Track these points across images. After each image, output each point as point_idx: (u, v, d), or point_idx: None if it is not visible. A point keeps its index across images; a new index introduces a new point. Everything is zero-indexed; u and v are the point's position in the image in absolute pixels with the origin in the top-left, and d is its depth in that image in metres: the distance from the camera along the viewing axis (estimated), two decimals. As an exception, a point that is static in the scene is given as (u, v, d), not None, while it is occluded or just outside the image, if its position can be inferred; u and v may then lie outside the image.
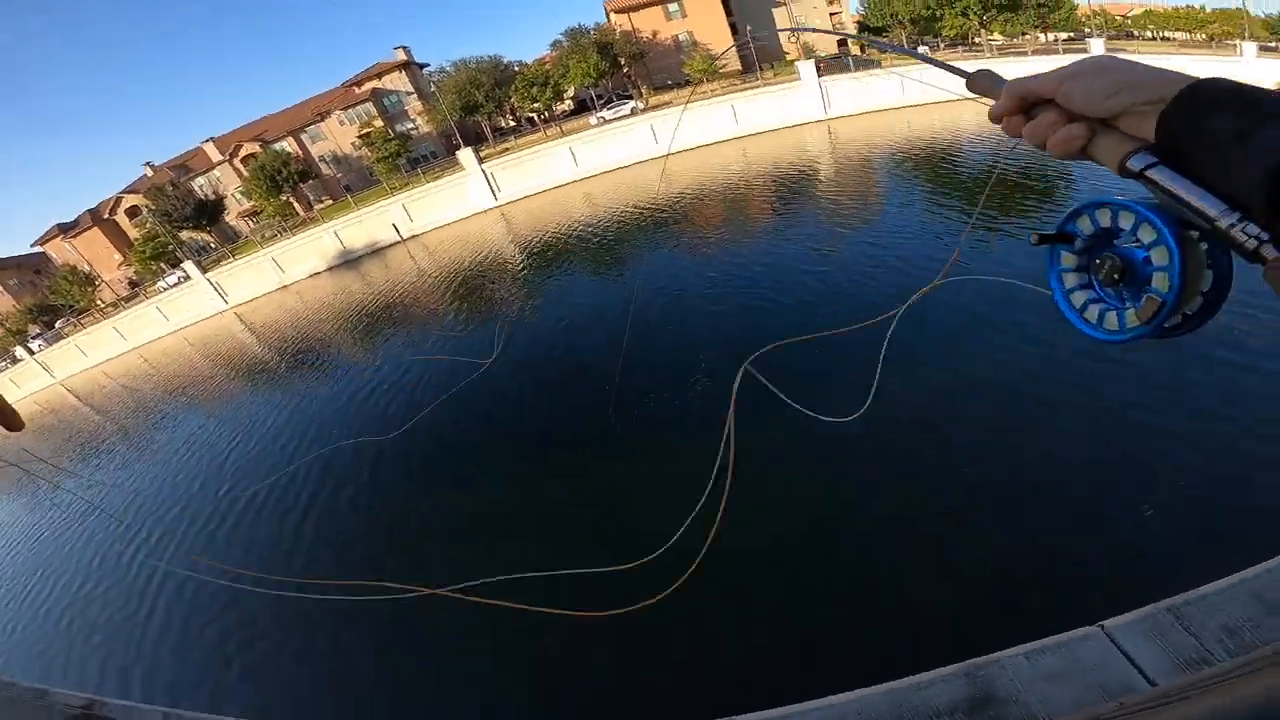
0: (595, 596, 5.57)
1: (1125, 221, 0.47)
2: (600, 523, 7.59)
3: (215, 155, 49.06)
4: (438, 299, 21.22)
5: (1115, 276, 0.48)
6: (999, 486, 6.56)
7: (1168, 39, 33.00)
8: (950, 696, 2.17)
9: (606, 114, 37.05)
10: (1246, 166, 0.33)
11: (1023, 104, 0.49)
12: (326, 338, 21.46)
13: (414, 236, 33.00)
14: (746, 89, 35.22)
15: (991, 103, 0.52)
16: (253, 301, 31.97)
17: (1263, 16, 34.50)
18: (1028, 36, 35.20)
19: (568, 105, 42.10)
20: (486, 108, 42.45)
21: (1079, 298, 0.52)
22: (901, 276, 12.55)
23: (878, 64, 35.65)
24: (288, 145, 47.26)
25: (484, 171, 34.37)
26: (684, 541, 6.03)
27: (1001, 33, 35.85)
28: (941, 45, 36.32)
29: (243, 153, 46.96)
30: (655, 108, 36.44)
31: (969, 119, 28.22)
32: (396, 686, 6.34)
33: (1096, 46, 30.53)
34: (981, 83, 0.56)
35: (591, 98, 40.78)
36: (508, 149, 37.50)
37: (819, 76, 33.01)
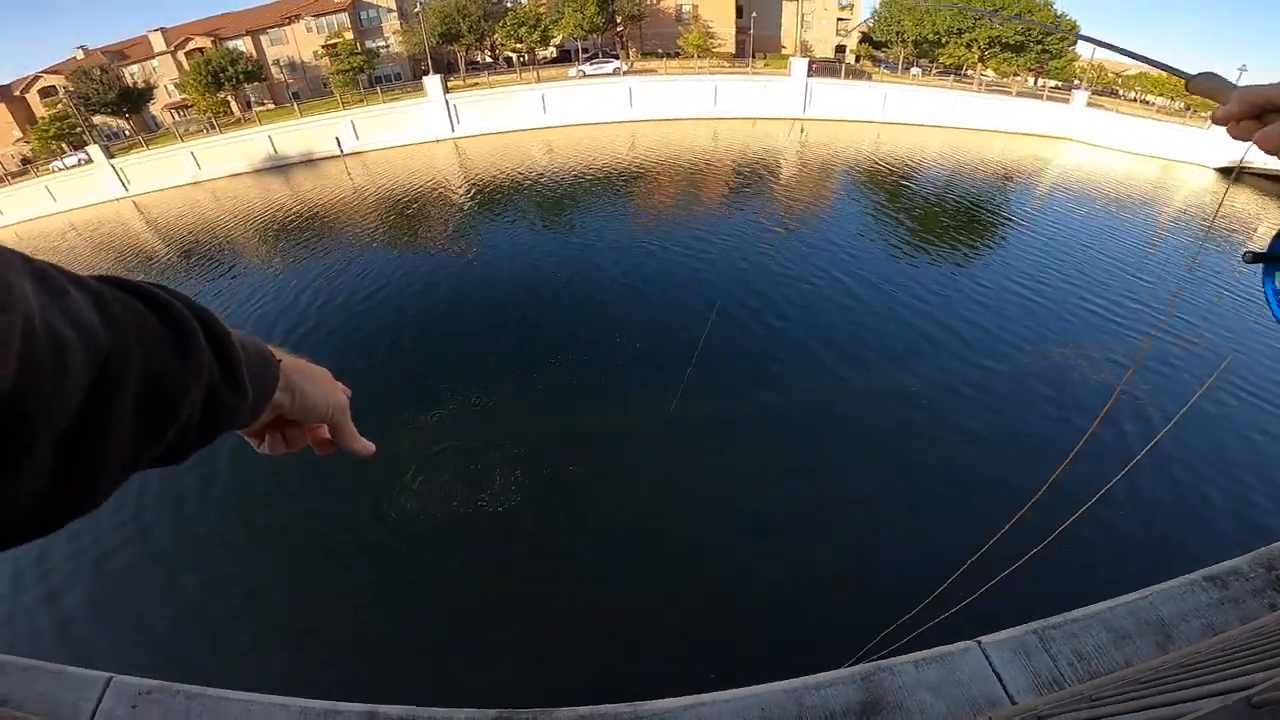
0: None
1: None
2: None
3: (159, 45, 44.42)
4: (367, 219, 19.53)
5: None
6: (905, 505, 6.78)
7: (1147, 103, 33.46)
8: (845, 699, 2.38)
9: (588, 68, 35.11)
10: None
11: (1253, 110, 0.52)
12: (233, 240, 19.53)
13: (356, 153, 30.53)
14: (734, 72, 33.95)
15: (1216, 105, 0.55)
16: (158, 193, 28.79)
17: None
18: (1018, 78, 35.10)
19: (550, 53, 39.80)
20: (468, 39, 39.66)
21: None
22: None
23: (868, 76, 34.98)
24: (243, 45, 43.32)
25: (447, 101, 32.07)
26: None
27: (995, 70, 35.64)
28: (934, 70, 35.87)
29: (190, 45, 42.79)
30: (638, 72, 34.75)
31: (933, 146, 27.88)
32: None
33: (1079, 99, 30.61)
34: (1205, 84, 0.58)
35: (577, 49, 38.60)
36: (478, 84, 35.14)
37: (808, 76, 32.08)
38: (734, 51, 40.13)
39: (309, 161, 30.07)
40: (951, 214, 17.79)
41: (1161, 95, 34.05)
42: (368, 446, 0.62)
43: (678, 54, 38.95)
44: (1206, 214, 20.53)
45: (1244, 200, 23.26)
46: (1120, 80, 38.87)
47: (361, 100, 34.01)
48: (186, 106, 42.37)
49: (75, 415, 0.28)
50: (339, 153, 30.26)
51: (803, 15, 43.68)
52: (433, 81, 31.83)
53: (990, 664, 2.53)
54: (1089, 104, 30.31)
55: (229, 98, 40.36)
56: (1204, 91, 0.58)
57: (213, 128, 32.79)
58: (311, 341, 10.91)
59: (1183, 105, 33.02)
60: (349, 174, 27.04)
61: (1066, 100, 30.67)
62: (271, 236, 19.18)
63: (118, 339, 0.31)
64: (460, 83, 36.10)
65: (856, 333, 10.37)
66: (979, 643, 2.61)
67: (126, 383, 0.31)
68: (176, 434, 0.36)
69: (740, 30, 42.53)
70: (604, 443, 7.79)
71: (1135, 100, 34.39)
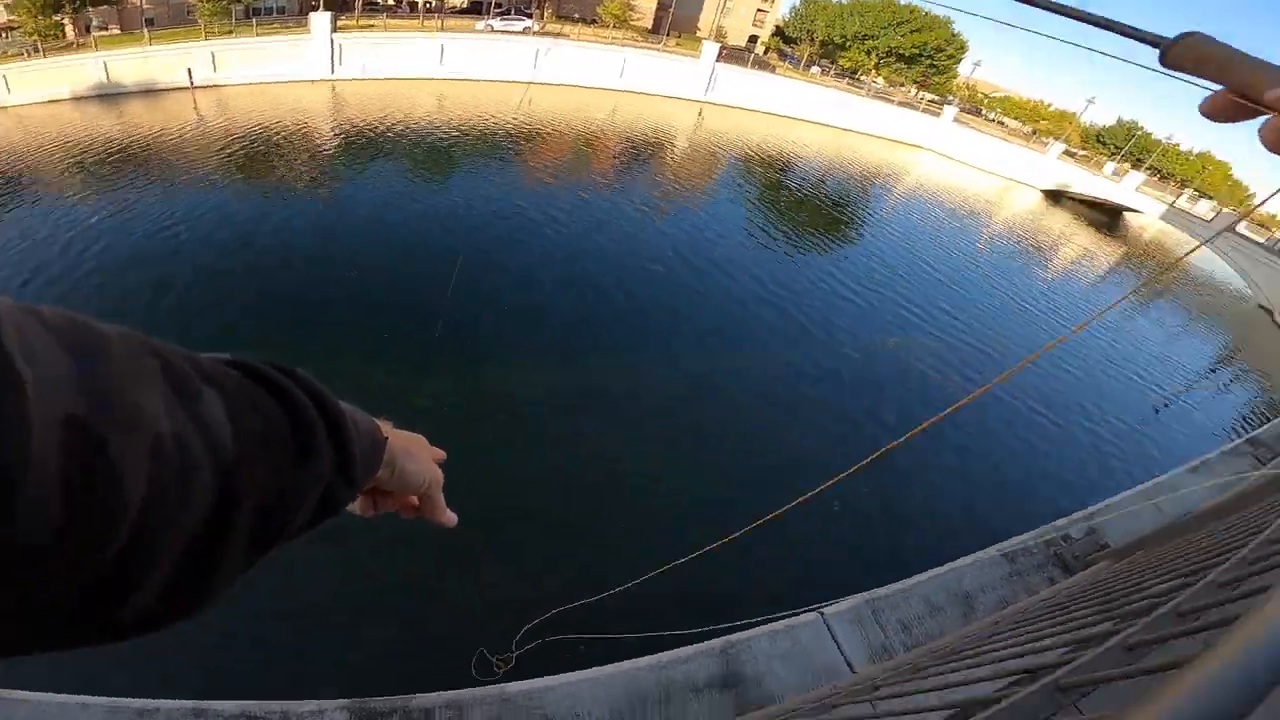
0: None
1: None
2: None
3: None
4: (210, 159, 17.50)
5: None
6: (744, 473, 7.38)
7: (1003, 124, 37.57)
8: (708, 671, 2.50)
9: (497, 24, 33.46)
10: None
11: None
12: (35, 171, 16.67)
13: (211, 87, 27.24)
14: (645, 47, 33.87)
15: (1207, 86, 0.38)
16: (-56, 112, 24.28)
17: (1087, 125, 40.54)
18: (904, 88, 37.89)
19: (461, 1, 37.54)
20: (368, -26, 36.38)
21: None
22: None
23: (772, 69, 36.27)
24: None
25: (332, 40, 29.40)
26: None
27: (886, 79, 38.19)
28: (832, 71, 37.86)
29: (22, -59, 35.54)
30: (549, 34, 33.68)
31: (814, 143, 29.68)
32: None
33: (948, 114, 33.64)
34: (1195, 50, 0.38)
35: (490, 3, 36.63)
36: (373, 26, 32.46)
37: (716, 61, 32.69)
38: (650, 27, 39.88)
39: (149, 92, 26.49)
40: (813, 210, 19.18)
41: (1016, 119, 38.33)
42: (451, 518, 0.62)
43: (594, 21, 38.12)
44: (1025, 231, 23.58)
45: (1058, 220, 26.95)
46: (985, 101, 43.28)
47: (230, 31, 30.25)
48: (12, 29, 35.49)
49: (194, 533, 0.26)
50: (189, 85, 26.88)
51: (724, 1, 44.18)
52: (320, 18, 28.98)
53: (832, 633, 2.75)
54: (955, 120, 33.45)
55: (65, 21, 34.29)
56: (1193, 61, 0.39)
57: (36, 51, 27.82)
58: (90, 283, 9.85)
59: (1030, 129, 37.29)
60: (196, 108, 24.21)
61: (937, 114, 33.65)
62: (79, 168, 16.84)
63: (243, 449, 0.29)
64: (352, 23, 33.07)
65: (697, 309, 11.04)
66: (821, 613, 2.81)
67: (248, 498, 0.29)
68: (288, 536, 0.35)
69: (661, 6, 42.24)
70: (451, 412, 7.58)
71: (994, 120, 38.59)
